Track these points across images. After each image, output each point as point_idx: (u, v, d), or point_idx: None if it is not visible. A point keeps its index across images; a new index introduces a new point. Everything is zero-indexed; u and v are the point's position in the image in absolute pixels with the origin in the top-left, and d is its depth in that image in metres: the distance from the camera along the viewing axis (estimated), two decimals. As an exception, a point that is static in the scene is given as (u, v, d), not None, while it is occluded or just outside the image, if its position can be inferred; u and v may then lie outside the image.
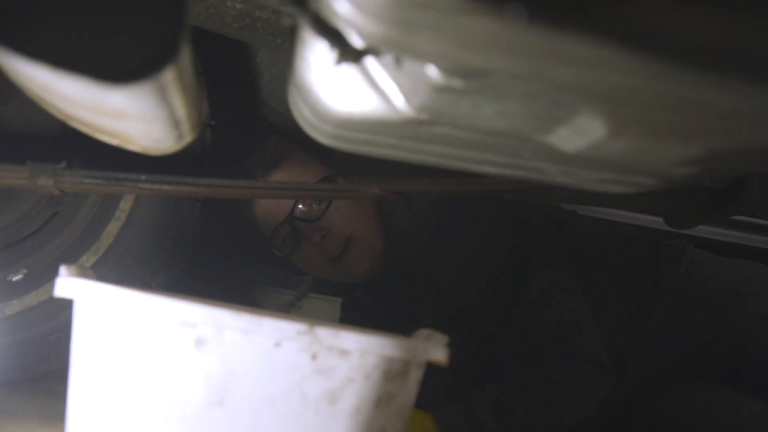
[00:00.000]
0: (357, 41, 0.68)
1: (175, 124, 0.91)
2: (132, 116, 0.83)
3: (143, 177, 1.42)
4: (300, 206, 1.87)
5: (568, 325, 1.85)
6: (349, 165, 1.97)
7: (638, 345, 1.94)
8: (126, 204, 1.67)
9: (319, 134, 0.99)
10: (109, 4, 0.68)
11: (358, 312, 2.13)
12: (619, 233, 2.09)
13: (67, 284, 1.13)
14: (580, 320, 1.86)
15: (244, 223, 1.97)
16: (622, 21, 0.42)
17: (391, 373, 1.11)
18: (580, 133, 0.74)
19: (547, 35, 0.45)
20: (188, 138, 1.03)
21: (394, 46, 0.64)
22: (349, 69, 0.77)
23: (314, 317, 2.27)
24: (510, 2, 0.42)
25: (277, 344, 1.08)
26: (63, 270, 1.17)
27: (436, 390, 1.21)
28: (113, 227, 1.67)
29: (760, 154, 0.79)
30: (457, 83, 0.67)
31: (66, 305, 1.15)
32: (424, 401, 1.18)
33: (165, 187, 1.44)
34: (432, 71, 0.67)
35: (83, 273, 1.20)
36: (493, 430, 1.73)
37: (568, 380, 1.79)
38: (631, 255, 2.02)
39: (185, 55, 0.71)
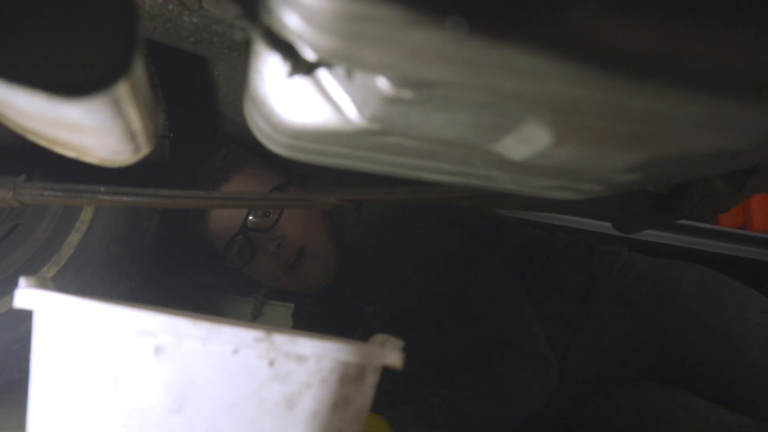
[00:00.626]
0: (309, 54, 0.68)
1: (132, 136, 0.90)
2: (88, 129, 0.82)
3: (102, 189, 1.41)
4: (251, 217, 1.86)
5: (513, 323, 1.87)
6: (306, 174, 1.97)
7: (578, 346, 1.96)
8: (86, 215, 1.66)
9: (274, 145, 0.99)
10: (62, 20, 0.67)
11: (309, 317, 2.12)
12: (557, 239, 2.11)
13: (26, 295, 1.12)
14: (524, 318, 1.88)
15: (198, 237, 1.96)
16: (557, 31, 0.42)
17: (348, 378, 1.11)
18: (526, 142, 0.74)
19: (488, 46, 0.45)
20: (145, 150, 1.02)
21: (345, 59, 0.64)
22: (302, 81, 0.77)
23: (275, 323, 2.27)
24: (450, 15, 0.42)
25: (235, 351, 1.07)
26: (22, 281, 1.16)
27: (386, 391, 1.21)
28: (74, 238, 1.66)
29: (700, 159, 0.80)
30: (407, 94, 0.67)
31: (27, 316, 1.14)
32: (375, 402, 1.18)
33: (124, 198, 1.43)
34: (382, 83, 0.67)
35: (43, 284, 1.19)
36: (444, 429, 1.73)
37: (516, 376, 1.81)
38: (568, 260, 2.05)
39: (139, 69, 0.71)
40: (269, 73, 0.80)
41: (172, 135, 1.67)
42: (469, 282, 1.89)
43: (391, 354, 1.15)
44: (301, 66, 0.71)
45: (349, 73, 0.70)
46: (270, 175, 1.93)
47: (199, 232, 1.94)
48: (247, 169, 1.92)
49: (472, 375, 1.82)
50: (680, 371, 1.93)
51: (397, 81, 0.65)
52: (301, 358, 1.09)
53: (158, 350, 1.07)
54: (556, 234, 2.16)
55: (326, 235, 1.94)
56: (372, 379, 1.15)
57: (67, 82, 0.65)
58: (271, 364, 1.08)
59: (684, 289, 1.99)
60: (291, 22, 0.57)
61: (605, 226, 2.45)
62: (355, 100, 0.75)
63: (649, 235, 2.62)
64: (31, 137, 1.00)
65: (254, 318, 2.46)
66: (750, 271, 2.75)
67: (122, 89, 0.69)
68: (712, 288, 2.00)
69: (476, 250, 1.94)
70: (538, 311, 1.94)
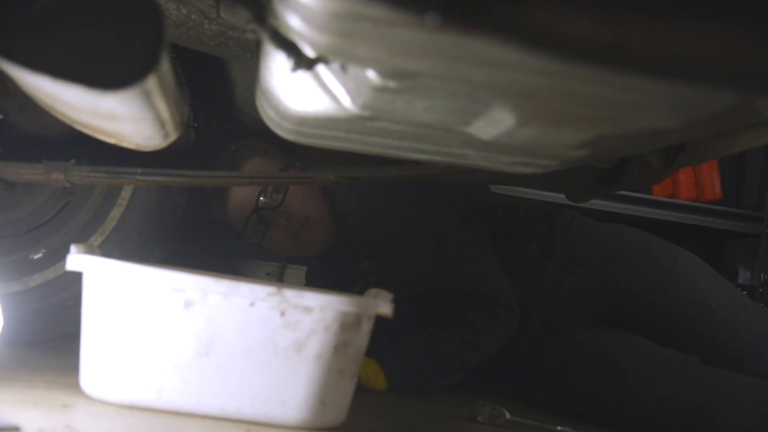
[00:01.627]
0: (309, 51, 0.67)
1: (161, 124, 0.89)
2: (123, 118, 0.81)
3: (139, 170, 1.40)
4: (261, 198, 1.86)
5: (480, 276, 1.87)
6: (308, 156, 1.96)
7: (539, 295, 1.96)
8: (126, 193, 1.65)
9: (282, 131, 0.98)
10: (100, 25, 0.66)
11: (317, 276, 2.13)
12: (522, 204, 2.12)
13: (76, 260, 1.12)
14: (490, 272, 1.89)
15: (219, 222, 1.95)
16: (519, 25, 0.41)
17: (347, 325, 1.10)
18: (494, 124, 0.73)
19: (460, 39, 0.44)
20: (173, 136, 1.01)
21: (339, 54, 0.62)
22: (304, 75, 0.75)
23: (294, 283, 2.27)
24: (427, 12, 0.41)
25: (252, 304, 1.07)
26: (73, 248, 1.15)
27: (376, 337, 1.21)
28: (116, 213, 1.65)
29: (639, 138, 0.79)
30: (392, 84, 0.66)
31: (78, 277, 1.14)
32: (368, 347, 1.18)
33: (158, 178, 1.42)
34: (371, 75, 0.66)
35: (90, 250, 1.18)
36: (427, 369, 1.76)
37: (484, 323, 1.83)
38: (531, 222, 2.05)
39: (165, 66, 0.70)
40: (276, 69, 0.79)
41: (197, 125, 1.65)
42: (445, 241, 1.89)
43: (383, 304, 1.14)
44: (302, 62, 0.69)
45: (344, 67, 0.69)
46: (274, 162, 1.92)
47: (220, 217, 1.93)
48: (253, 159, 1.91)
49: (448, 322, 1.83)
50: (626, 315, 1.94)
51: (384, 73, 0.64)
52: (307, 309, 1.08)
53: (188, 304, 1.06)
54: (521, 200, 2.17)
55: (325, 207, 1.94)
56: (367, 326, 1.15)
57: (104, 77, 0.64)
58: (282, 314, 1.07)
59: (626, 246, 2.00)
60: (293, 23, 0.56)
61: (560, 197, 2.45)
62: (348, 91, 0.74)
63: (595, 203, 2.61)
64: (78, 127, 0.98)
65: (278, 280, 2.45)
66: (678, 233, 2.75)
67: (151, 83, 0.67)
68: (648, 245, 2.01)
69: (450, 215, 1.94)
70: (505, 265, 1.95)
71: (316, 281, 2.09)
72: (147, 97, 0.73)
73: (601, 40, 0.41)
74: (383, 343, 1.69)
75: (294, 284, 1.97)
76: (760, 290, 2.67)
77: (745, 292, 2.15)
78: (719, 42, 0.45)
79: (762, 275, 2.69)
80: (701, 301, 1.89)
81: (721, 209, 2.75)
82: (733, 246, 2.95)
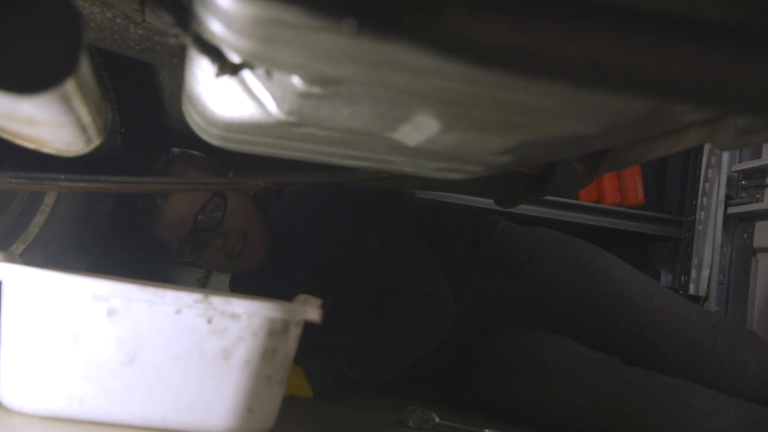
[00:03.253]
0: (233, 57, 0.66)
1: (83, 129, 0.86)
2: (42, 122, 0.78)
3: (62, 176, 1.36)
4: (200, 217, 1.80)
5: (405, 266, 1.85)
6: (238, 163, 1.94)
7: (465, 298, 1.98)
8: (50, 199, 1.61)
9: (209, 137, 0.96)
10: (15, 27, 0.64)
11: (246, 286, 2.08)
12: (449, 207, 2.14)
13: (-5, 268, 1.08)
14: (418, 261, 1.87)
15: (149, 240, 1.88)
16: (434, 31, 0.41)
17: (275, 331, 1.09)
18: (418, 130, 0.74)
19: (377, 45, 0.44)
20: (96, 141, 0.98)
21: (262, 60, 0.62)
22: (229, 81, 0.74)
23: (220, 289, 2.24)
24: (344, 18, 0.41)
25: (178, 311, 1.05)
26: (-9, 256, 1.12)
27: (306, 342, 1.20)
28: (39, 219, 1.61)
29: (561, 144, 0.80)
30: (317, 90, 0.65)
31: (-3, 287, 1.10)
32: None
33: (82, 184, 1.39)
34: (296, 80, 0.65)
35: (11, 258, 1.15)
36: (347, 371, 1.72)
37: (407, 315, 1.79)
38: (457, 225, 2.07)
39: (85, 69, 0.68)
40: (201, 75, 0.78)
41: (123, 130, 1.62)
42: (367, 240, 1.88)
43: (311, 310, 1.13)
44: (227, 67, 0.68)
45: (268, 73, 0.68)
46: (204, 176, 1.87)
47: (152, 233, 1.86)
48: (187, 174, 1.85)
49: (370, 321, 1.80)
50: (549, 313, 1.98)
51: (309, 79, 0.64)
52: (234, 316, 1.07)
53: (111, 312, 1.03)
54: (448, 204, 2.18)
55: (260, 220, 1.90)
56: (295, 332, 1.14)
57: (20, 81, 0.62)
58: (209, 321, 1.06)
59: (546, 247, 2.05)
60: (215, 28, 0.55)
61: (488, 203, 2.47)
62: (274, 96, 0.73)
63: (524, 209, 2.65)
64: (-4, 132, 0.95)
65: (202, 286, 2.41)
66: (603, 236, 2.81)
67: (70, 86, 0.66)
68: (567, 245, 2.07)
69: (374, 212, 1.93)
70: (435, 266, 1.96)
71: (240, 290, 2.05)
72: (66, 101, 0.71)
73: (515, 46, 0.42)
74: (305, 346, 1.68)
75: (221, 290, 1.94)
76: (681, 292, 2.75)
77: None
78: (632, 49, 0.46)
79: (682, 277, 2.77)
80: (617, 289, 1.96)
81: (643, 214, 2.82)
82: (655, 249, 3.03)
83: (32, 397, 1.05)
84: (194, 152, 2.00)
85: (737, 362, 1.84)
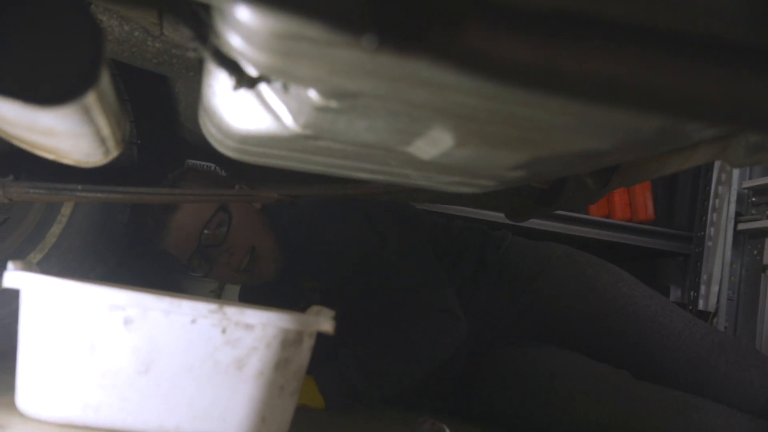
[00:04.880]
0: (251, 70, 0.66)
1: (102, 140, 0.87)
2: (62, 134, 0.79)
3: (80, 187, 1.37)
4: (206, 231, 1.80)
5: (420, 283, 1.85)
6: (251, 174, 1.94)
7: (472, 314, 1.97)
8: (66, 209, 1.62)
9: (225, 149, 0.97)
10: (39, 41, 0.64)
11: (257, 296, 2.08)
12: (456, 225, 2.13)
13: (13, 277, 1.08)
14: (432, 278, 1.87)
15: (160, 254, 1.88)
16: (454, 48, 0.41)
17: (288, 342, 1.09)
18: (434, 144, 0.74)
19: (396, 60, 0.44)
20: (114, 153, 0.98)
21: (280, 74, 0.62)
22: (246, 94, 0.74)
23: (234, 299, 2.24)
24: (364, 33, 0.41)
25: (193, 321, 1.05)
26: (10, 265, 1.12)
27: (318, 353, 1.20)
28: (56, 229, 1.61)
29: (574, 160, 0.80)
30: (333, 104, 0.66)
31: (17, 295, 1.10)
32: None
33: (99, 194, 1.39)
34: (312, 94, 0.65)
35: (29, 267, 1.15)
36: (359, 384, 1.72)
37: (420, 331, 1.78)
38: (464, 242, 2.07)
39: (105, 82, 0.68)
40: (219, 88, 0.78)
41: (139, 142, 1.63)
42: (382, 253, 1.87)
43: (324, 321, 1.13)
44: (244, 81, 0.69)
45: (285, 87, 0.69)
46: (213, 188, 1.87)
47: (163, 248, 1.86)
48: (193, 187, 1.85)
49: (383, 334, 1.80)
50: (556, 328, 1.97)
51: (325, 93, 0.64)
52: (249, 327, 1.07)
53: (127, 321, 1.04)
54: (455, 221, 2.18)
55: (268, 234, 1.89)
56: (308, 343, 1.14)
57: (42, 92, 0.62)
58: (224, 331, 1.06)
59: (553, 262, 2.04)
60: (234, 42, 0.55)
61: (499, 216, 2.47)
62: (290, 110, 0.74)
63: (534, 223, 2.65)
64: (16, 142, 0.96)
65: (218, 296, 2.41)
66: (613, 251, 2.81)
67: (90, 99, 0.66)
68: (575, 260, 2.06)
69: (388, 227, 1.93)
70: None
71: (250, 300, 2.05)
72: (86, 113, 0.71)
73: (534, 63, 0.42)
74: (324, 358, 1.68)
75: (235, 300, 1.94)
76: (690, 307, 2.74)
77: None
78: (648, 67, 0.46)
79: (691, 293, 2.76)
80: (622, 305, 1.95)
81: (653, 229, 2.81)
82: (664, 264, 3.02)
83: (49, 404, 1.06)
84: (204, 165, 2.00)
85: (741, 380, 1.83)
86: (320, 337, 1.16)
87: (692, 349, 1.88)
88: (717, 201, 2.75)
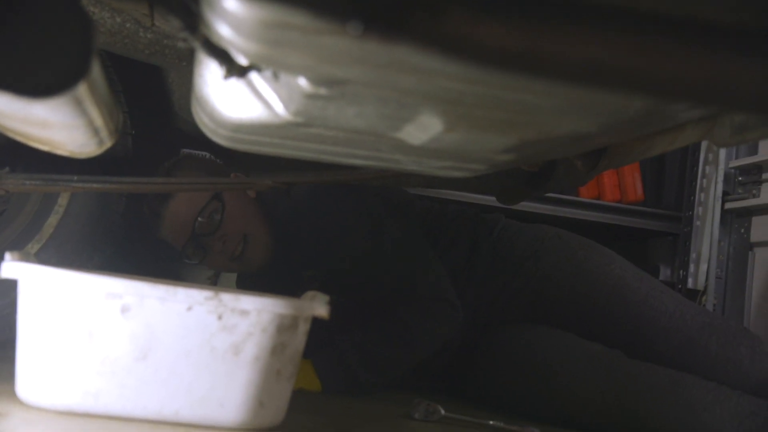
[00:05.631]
0: (241, 59, 0.66)
1: (95, 131, 0.87)
2: (56, 125, 0.79)
3: (75, 177, 1.37)
4: (200, 219, 1.80)
5: (416, 271, 1.86)
6: (246, 163, 1.94)
7: (467, 296, 1.98)
8: (63, 200, 1.61)
9: (218, 137, 0.96)
10: (29, 33, 0.64)
11: (250, 283, 2.08)
12: (449, 210, 2.13)
13: (11, 267, 1.08)
14: (427, 266, 1.88)
15: (158, 241, 1.88)
16: (438, 33, 0.41)
17: (284, 327, 1.09)
18: (423, 129, 0.74)
19: (382, 47, 0.44)
20: (108, 143, 0.98)
21: (270, 62, 0.62)
22: (236, 83, 0.74)
23: (230, 285, 2.24)
24: (349, 20, 0.41)
25: (189, 308, 1.05)
26: (8, 255, 1.12)
27: (314, 337, 1.20)
28: (53, 220, 1.61)
29: (562, 142, 0.80)
30: (323, 91, 0.66)
31: (14, 285, 1.10)
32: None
33: (95, 185, 1.39)
34: (302, 82, 0.65)
35: (26, 258, 1.15)
36: (357, 369, 1.74)
37: (417, 319, 1.80)
38: (457, 226, 2.07)
39: (96, 73, 0.68)
40: (210, 77, 0.78)
41: (134, 132, 1.63)
42: (380, 241, 1.88)
43: (319, 306, 1.13)
44: (234, 70, 0.68)
45: (275, 75, 0.68)
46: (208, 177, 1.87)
47: (158, 237, 1.86)
48: (188, 175, 1.85)
49: (380, 321, 1.81)
50: (550, 309, 1.98)
51: (315, 80, 0.64)
52: (244, 312, 1.07)
53: (124, 309, 1.04)
54: (449, 206, 2.18)
55: (261, 221, 1.89)
56: (303, 328, 1.14)
57: (34, 84, 0.62)
58: (220, 317, 1.06)
59: (546, 244, 2.05)
60: (222, 31, 0.55)
61: (490, 199, 2.47)
62: (281, 98, 0.73)
63: (525, 205, 2.65)
64: (10, 134, 0.95)
65: (213, 284, 2.41)
66: (603, 233, 2.81)
67: (82, 90, 0.66)
68: (565, 241, 2.07)
69: (387, 215, 1.93)
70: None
71: (247, 287, 2.05)
72: (78, 105, 0.71)
73: (516, 47, 0.42)
74: (323, 343, 1.68)
75: (231, 288, 1.94)
76: (680, 286, 2.75)
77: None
78: (631, 49, 0.46)
79: (681, 272, 2.77)
80: (613, 286, 1.96)
81: (642, 210, 2.82)
82: (654, 244, 3.02)
83: (49, 392, 1.06)
84: (199, 154, 2.00)
85: (731, 359, 1.84)
86: (317, 323, 1.16)
87: (683, 330, 1.88)
88: (704, 181, 2.76)
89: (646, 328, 1.90)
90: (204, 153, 2.08)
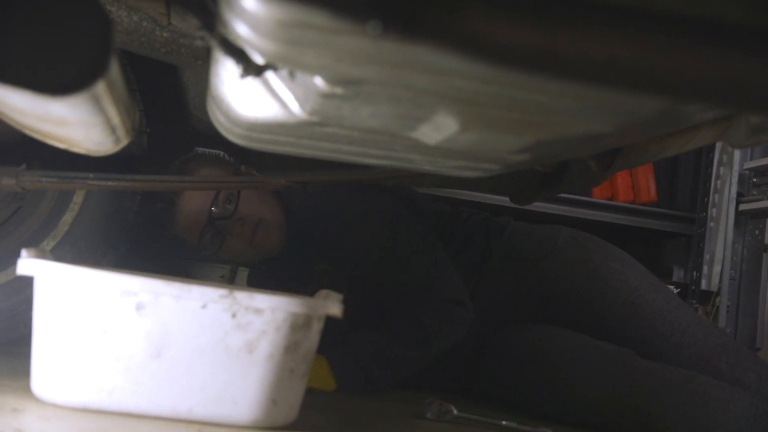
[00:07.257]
0: (257, 58, 0.66)
1: (112, 129, 0.87)
2: (73, 123, 0.79)
3: (91, 175, 1.37)
4: (213, 208, 1.81)
5: (431, 273, 1.87)
6: (260, 161, 1.94)
7: (480, 297, 1.98)
8: (78, 197, 1.62)
9: (233, 136, 0.97)
10: (47, 31, 0.65)
11: (266, 280, 2.08)
12: (461, 213, 2.13)
13: (27, 264, 1.09)
14: (442, 269, 1.89)
15: (170, 240, 1.89)
16: (455, 33, 0.41)
17: (297, 326, 1.10)
18: (438, 129, 0.74)
19: (400, 47, 0.44)
20: (125, 141, 0.99)
21: (286, 61, 0.62)
22: (253, 81, 0.75)
23: (246, 285, 2.24)
24: (368, 20, 0.41)
25: (204, 306, 1.05)
26: (24, 252, 1.13)
27: (327, 336, 1.21)
28: (68, 217, 1.61)
29: (576, 142, 0.80)
30: (339, 90, 0.66)
31: (30, 282, 1.11)
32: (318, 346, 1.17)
33: (110, 182, 1.40)
34: (318, 81, 0.66)
35: (42, 255, 1.16)
36: (372, 368, 1.74)
37: (433, 320, 1.81)
38: (469, 229, 2.07)
39: (114, 71, 0.69)
40: (226, 76, 0.78)
41: (149, 130, 1.63)
42: (396, 240, 1.89)
43: (332, 305, 1.14)
44: (251, 69, 0.69)
45: (292, 74, 0.69)
46: (223, 172, 1.88)
47: (173, 232, 1.86)
48: (202, 170, 1.86)
49: (397, 321, 1.82)
50: (561, 311, 1.97)
51: (331, 80, 0.64)
52: (258, 311, 1.07)
53: (139, 307, 1.04)
54: (460, 209, 2.18)
55: (277, 207, 1.91)
56: (317, 326, 1.14)
57: (53, 82, 0.63)
58: (234, 316, 1.07)
59: (559, 245, 2.04)
60: (240, 30, 0.56)
61: (503, 200, 2.47)
62: (297, 97, 0.74)
63: (538, 206, 2.65)
64: (28, 132, 0.96)
65: (230, 282, 2.42)
66: (616, 233, 2.80)
67: (100, 88, 0.66)
68: (581, 243, 2.05)
69: (402, 214, 1.94)
70: (451, 269, 1.96)
71: (259, 285, 2.06)
72: (96, 103, 0.72)
73: (533, 47, 0.42)
74: (334, 341, 1.68)
75: (245, 287, 1.95)
76: (693, 287, 2.74)
77: (678, 290, 2.20)
78: (647, 49, 0.46)
79: (694, 273, 2.76)
80: (628, 296, 1.94)
81: (656, 211, 2.81)
82: (667, 246, 3.01)
83: (64, 389, 1.06)
84: (212, 151, 2.01)
85: (739, 381, 1.82)
86: (329, 320, 1.16)
87: (694, 347, 1.87)
88: (719, 182, 2.75)
89: (656, 342, 1.88)
90: (218, 151, 2.09)
